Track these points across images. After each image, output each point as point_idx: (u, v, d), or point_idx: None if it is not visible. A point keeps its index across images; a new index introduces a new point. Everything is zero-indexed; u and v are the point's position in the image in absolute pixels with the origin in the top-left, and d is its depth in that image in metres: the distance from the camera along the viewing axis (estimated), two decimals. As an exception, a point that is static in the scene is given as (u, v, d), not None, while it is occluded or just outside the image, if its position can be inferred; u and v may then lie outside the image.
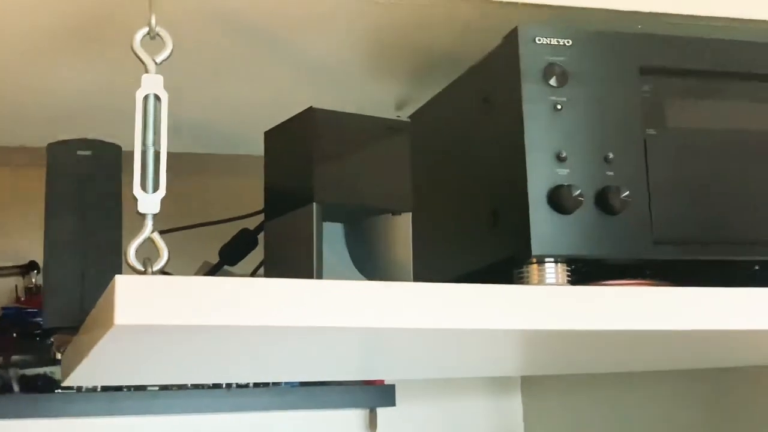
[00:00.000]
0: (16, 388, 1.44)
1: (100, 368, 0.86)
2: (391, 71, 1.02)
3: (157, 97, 0.70)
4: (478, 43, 0.87)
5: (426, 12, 0.86)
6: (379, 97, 1.09)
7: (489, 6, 0.83)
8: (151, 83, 0.70)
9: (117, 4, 0.82)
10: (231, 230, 1.01)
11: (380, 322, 0.66)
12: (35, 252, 1.51)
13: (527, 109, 0.77)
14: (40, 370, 1.46)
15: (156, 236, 0.68)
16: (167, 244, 0.68)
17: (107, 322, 0.62)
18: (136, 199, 0.68)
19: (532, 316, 0.70)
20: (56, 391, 1.43)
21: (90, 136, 0.87)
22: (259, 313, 0.63)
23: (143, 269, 0.67)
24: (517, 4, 0.82)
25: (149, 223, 0.68)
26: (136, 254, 0.67)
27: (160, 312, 0.62)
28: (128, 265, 0.67)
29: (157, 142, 0.69)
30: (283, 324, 0.64)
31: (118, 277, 0.61)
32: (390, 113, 1.04)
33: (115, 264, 0.84)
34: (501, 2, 0.82)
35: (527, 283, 0.77)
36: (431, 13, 0.86)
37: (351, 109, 0.78)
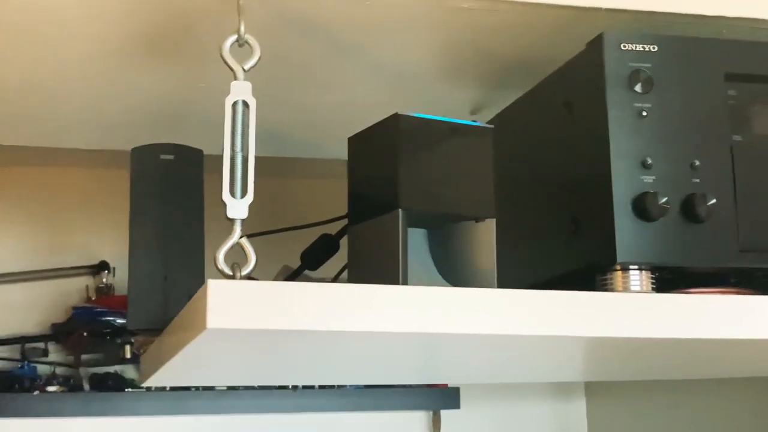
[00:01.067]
0: (86, 386, 1.46)
1: (181, 370, 0.87)
2: (467, 76, 1.02)
3: (245, 104, 0.70)
4: (555, 50, 0.87)
5: (503, 18, 0.86)
6: (454, 101, 1.09)
7: (569, 12, 0.83)
8: (240, 90, 0.71)
9: (203, 13, 0.83)
10: (310, 234, 1.01)
11: (466, 329, 0.67)
12: (106, 252, 1.53)
13: (612, 115, 0.76)
14: (111, 369, 1.48)
15: (244, 241, 0.69)
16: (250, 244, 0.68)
17: (198, 325, 0.63)
18: (224, 205, 0.69)
19: (619, 324, 0.70)
20: (126, 389, 1.45)
21: (172, 141, 0.89)
22: (348, 318, 0.64)
23: (232, 274, 0.68)
24: (599, 9, 0.81)
25: (238, 228, 0.69)
26: (224, 259, 0.68)
27: (251, 316, 0.63)
28: (218, 269, 0.67)
29: (245, 148, 0.70)
30: (372, 329, 0.64)
31: (210, 282, 0.62)
32: (465, 118, 1.05)
33: (198, 267, 0.85)
34: (582, 8, 0.82)
35: (611, 290, 0.76)
36: (509, 19, 0.86)
37: (427, 112, 0.78)
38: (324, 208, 1.01)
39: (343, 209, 0.81)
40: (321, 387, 1.51)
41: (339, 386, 1.52)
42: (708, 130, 0.78)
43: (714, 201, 0.76)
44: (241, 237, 0.69)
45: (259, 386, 1.48)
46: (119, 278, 1.52)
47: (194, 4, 0.82)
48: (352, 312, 0.64)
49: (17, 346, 1.45)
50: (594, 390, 1.68)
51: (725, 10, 0.83)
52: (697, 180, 0.77)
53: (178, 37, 0.90)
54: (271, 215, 1.03)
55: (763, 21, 0.84)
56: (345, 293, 0.64)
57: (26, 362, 1.45)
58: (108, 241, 1.54)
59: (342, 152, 0.81)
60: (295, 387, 1.48)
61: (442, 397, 1.58)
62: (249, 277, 0.68)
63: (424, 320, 0.66)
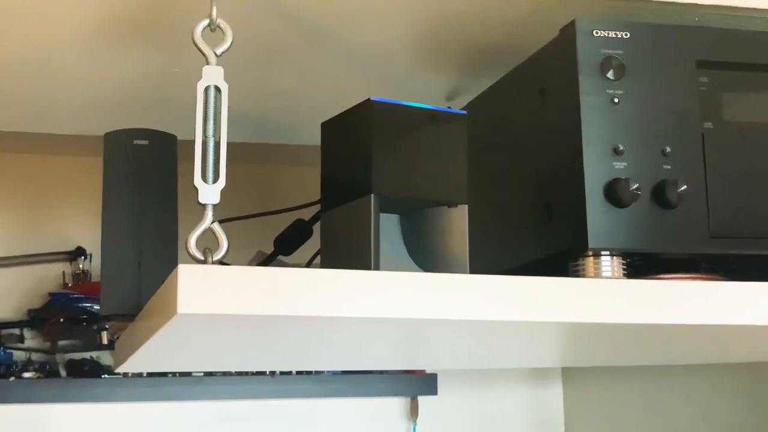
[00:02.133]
0: (63, 372, 1.46)
1: (154, 355, 0.87)
2: (443, 63, 1.02)
3: (217, 89, 0.70)
4: (530, 36, 0.87)
5: (479, 5, 0.86)
6: (429, 87, 1.09)
7: (543, -2, 0.83)
8: (212, 75, 0.70)
9: (176, -3, 0.83)
10: (284, 220, 1.01)
11: (438, 314, 0.67)
12: (83, 238, 1.53)
13: (584, 101, 0.76)
14: (87, 355, 1.48)
15: (216, 227, 0.69)
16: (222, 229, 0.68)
17: (169, 310, 0.63)
18: (196, 190, 0.69)
19: (589, 310, 0.70)
20: (103, 375, 1.46)
21: (146, 126, 0.88)
22: (320, 304, 0.64)
23: (203, 259, 0.67)
24: (573, -5, 0.81)
25: (209, 214, 0.69)
26: (196, 244, 0.68)
27: (222, 301, 0.62)
28: (189, 254, 0.67)
29: (217, 133, 0.70)
30: (344, 315, 0.64)
31: (181, 267, 0.62)
32: (441, 103, 1.05)
33: (172, 253, 0.85)
34: (556, -6, 0.82)
35: (583, 276, 0.77)
36: (484, 7, 0.86)
37: (402, 98, 0.78)
38: (299, 194, 1.01)
39: (318, 194, 0.81)
40: (299, 373, 1.52)
41: (317, 372, 1.52)
42: (679, 117, 0.78)
43: (685, 187, 0.76)
44: (213, 222, 0.69)
45: (236, 372, 1.49)
46: (96, 265, 1.52)
47: (168, -12, 0.82)
48: (323, 297, 0.64)
49: (-7, 332, 1.45)
50: (571, 376, 1.69)
51: (697, -3, 0.84)
52: (669, 166, 0.77)
53: (152, 22, 0.90)
54: (246, 200, 1.03)
55: (735, 8, 0.84)
56: (316, 278, 0.64)
57: (2, 348, 1.45)
58: (85, 227, 1.53)
59: (317, 138, 0.82)
60: (272, 373, 1.48)
61: (419, 383, 1.59)
62: (221, 262, 0.68)
63: (396, 305, 0.66)
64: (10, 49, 0.97)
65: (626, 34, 0.78)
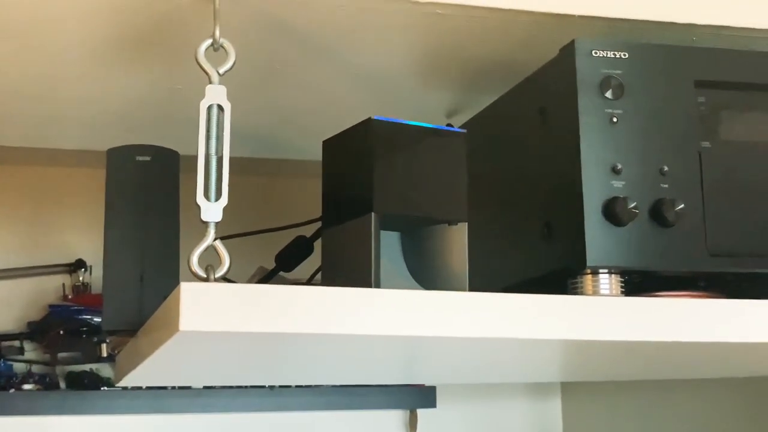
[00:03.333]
0: (62, 384, 1.46)
1: (155, 370, 0.88)
2: (444, 80, 1.03)
3: (220, 108, 0.71)
4: (530, 55, 0.88)
5: (480, 23, 0.87)
6: (430, 104, 1.10)
7: (544, 18, 0.84)
8: (215, 94, 0.71)
9: (181, 16, 0.84)
10: (285, 236, 1.02)
11: (438, 331, 0.67)
12: (83, 250, 1.53)
13: (583, 121, 0.77)
14: (87, 367, 1.48)
15: (218, 244, 0.69)
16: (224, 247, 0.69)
17: (171, 327, 0.64)
18: (199, 207, 0.69)
19: (588, 327, 0.71)
20: (102, 388, 1.45)
21: (148, 141, 0.89)
22: (321, 321, 0.64)
23: (205, 276, 0.68)
24: (573, 16, 0.82)
25: (212, 231, 0.70)
26: (198, 261, 0.69)
27: (223, 319, 0.63)
28: (191, 272, 0.68)
29: (219, 151, 0.71)
30: (345, 332, 0.65)
31: (183, 285, 0.63)
32: (440, 120, 1.06)
33: (173, 268, 0.86)
34: (556, 15, 0.83)
35: (581, 293, 0.77)
36: (485, 25, 0.87)
37: (402, 115, 0.79)
38: (300, 209, 1.01)
39: (319, 210, 0.82)
40: (298, 386, 1.52)
41: (316, 385, 1.52)
42: (677, 137, 0.79)
43: (682, 206, 0.77)
44: (215, 239, 0.69)
45: (235, 385, 1.49)
46: (96, 277, 1.52)
47: (171, 7, 0.83)
48: (324, 315, 0.65)
49: (-7, 344, 1.45)
50: (570, 390, 1.69)
51: (696, 18, 0.84)
52: (666, 185, 0.78)
53: (155, 40, 0.90)
54: (247, 214, 1.04)
55: (733, 28, 0.85)
56: (318, 296, 0.65)
57: (2, 360, 1.45)
58: (85, 239, 1.54)
59: (319, 153, 0.82)
60: (271, 386, 1.49)
61: (418, 396, 1.59)
62: (224, 278, 0.69)
63: (396, 323, 0.66)
64: (16, 66, 0.98)
65: (625, 54, 0.79)
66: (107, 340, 1.35)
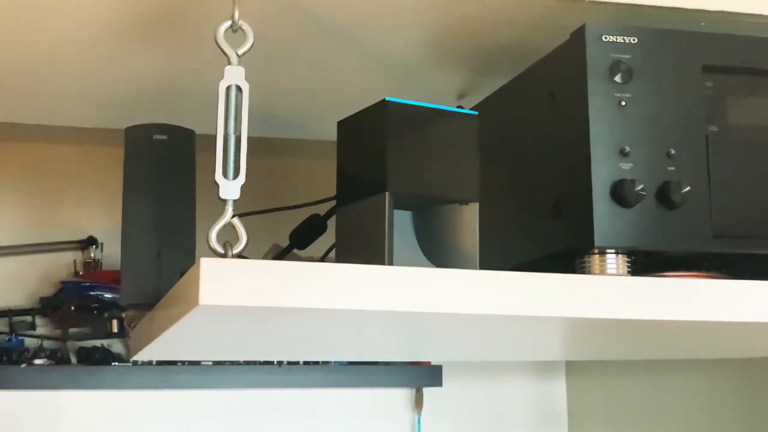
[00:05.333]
0: (73, 360, 1.48)
1: (171, 345, 0.90)
2: (456, 63, 1.04)
3: (238, 88, 0.72)
4: (541, 39, 0.89)
5: (492, 8, 0.88)
6: (441, 86, 1.11)
7: (555, 4, 0.85)
8: (234, 74, 0.72)
9: (199, -2, 0.85)
10: (299, 214, 1.04)
11: (449, 308, 0.69)
12: (94, 227, 1.55)
13: (593, 104, 0.79)
14: (98, 343, 1.50)
15: (236, 221, 0.71)
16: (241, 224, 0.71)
17: (191, 301, 0.65)
18: (217, 185, 0.71)
19: (594, 305, 0.73)
20: (113, 363, 1.48)
21: (165, 120, 0.91)
22: (335, 296, 0.66)
23: (223, 252, 0.70)
24: (583, 1, 0.84)
25: (230, 209, 0.71)
26: (216, 238, 0.70)
27: (241, 294, 0.65)
28: (210, 248, 0.70)
29: (237, 131, 0.72)
30: (359, 307, 0.67)
31: (203, 260, 0.64)
32: (452, 102, 1.07)
33: (190, 245, 0.87)
34: (567, 1, 0.84)
35: (589, 273, 0.79)
36: (495, 9, 0.88)
37: (414, 96, 0.80)
38: (314, 188, 1.03)
39: (333, 189, 0.84)
40: (306, 363, 1.54)
41: (323, 363, 1.54)
42: (684, 120, 0.81)
43: (688, 188, 0.79)
44: (233, 217, 0.71)
45: (244, 361, 1.50)
46: (107, 253, 1.54)
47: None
48: (339, 290, 0.66)
49: (5, 319, 1.47)
50: (574, 369, 1.71)
51: (704, 4, 0.86)
52: (673, 168, 0.79)
53: (172, 20, 0.92)
54: (263, 193, 1.05)
55: (740, 14, 0.86)
56: (333, 272, 0.67)
57: (14, 335, 1.47)
58: (96, 216, 1.55)
59: (333, 133, 0.84)
60: (280, 363, 1.50)
61: (424, 374, 1.61)
62: (240, 255, 0.70)
63: (409, 299, 0.68)
64: (32, 46, 1.00)
65: (634, 39, 0.80)
66: (122, 315, 1.37)
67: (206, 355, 1.32)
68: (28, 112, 1.25)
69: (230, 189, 0.71)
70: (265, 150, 1.42)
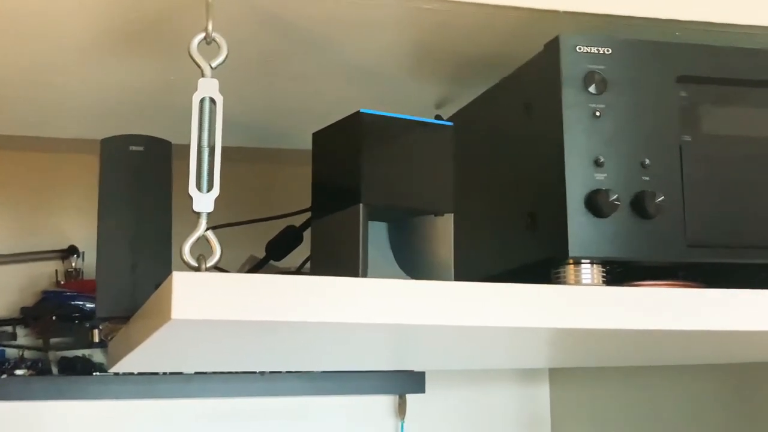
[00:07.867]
0: (55, 370, 1.47)
1: (147, 357, 0.89)
2: (433, 73, 1.05)
3: (212, 100, 0.72)
4: (517, 48, 0.89)
5: (469, 18, 0.88)
6: (419, 96, 1.11)
7: (530, 14, 0.85)
8: (207, 87, 0.72)
9: (174, 10, 0.85)
10: (276, 225, 1.04)
11: (424, 320, 0.69)
12: (76, 236, 1.54)
13: (567, 115, 0.79)
14: (79, 353, 1.49)
15: (210, 234, 0.71)
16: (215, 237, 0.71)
17: (163, 315, 0.65)
18: (191, 198, 0.71)
19: (570, 315, 0.73)
20: (94, 373, 1.47)
21: (142, 130, 0.90)
22: (310, 309, 0.66)
23: (197, 266, 0.70)
24: (558, 12, 0.84)
25: (203, 222, 0.71)
26: (190, 251, 0.70)
27: (215, 308, 0.64)
28: (183, 261, 0.69)
29: (211, 143, 0.72)
30: (334, 320, 0.67)
31: (175, 274, 0.64)
32: (429, 112, 1.07)
33: (166, 257, 0.87)
34: (542, 10, 0.84)
35: (564, 283, 0.79)
36: (474, 20, 0.88)
37: (392, 106, 0.80)
38: (291, 198, 1.03)
39: (310, 200, 0.83)
40: (288, 372, 1.53)
41: (306, 371, 1.54)
42: (659, 131, 0.81)
43: (662, 198, 0.79)
44: (206, 230, 0.71)
45: (226, 371, 1.50)
46: (88, 263, 1.53)
47: (165, 1, 0.84)
48: (313, 303, 0.66)
49: (-14, 330, 1.46)
50: (558, 375, 1.71)
51: (678, 14, 0.86)
52: (647, 178, 0.80)
53: (149, 33, 0.92)
54: (238, 202, 1.05)
55: (715, 24, 0.87)
56: (307, 285, 0.67)
57: (-6, 346, 1.46)
58: (77, 225, 1.55)
59: (309, 143, 0.84)
60: (262, 372, 1.50)
61: (407, 381, 1.61)
62: (216, 267, 0.70)
63: (383, 311, 0.68)
64: (12, 56, 0.99)
65: (608, 50, 0.81)
66: (100, 327, 1.36)
67: (185, 367, 1.31)
68: (7, 122, 1.25)
69: (204, 202, 0.71)
70: (240, 159, 1.42)
